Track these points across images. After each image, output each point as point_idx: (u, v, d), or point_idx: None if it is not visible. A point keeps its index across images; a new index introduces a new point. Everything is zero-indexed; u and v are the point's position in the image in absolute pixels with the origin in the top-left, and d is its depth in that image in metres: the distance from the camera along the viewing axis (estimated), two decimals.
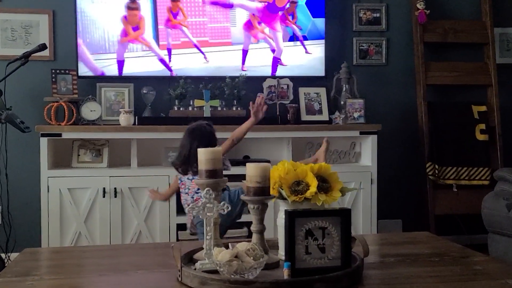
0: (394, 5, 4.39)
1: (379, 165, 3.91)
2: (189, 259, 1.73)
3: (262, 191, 1.68)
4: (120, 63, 3.92)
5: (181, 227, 3.70)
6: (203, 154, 1.75)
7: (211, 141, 2.91)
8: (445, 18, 4.39)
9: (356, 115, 4.00)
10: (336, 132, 3.92)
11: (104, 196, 3.60)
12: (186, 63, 4.02)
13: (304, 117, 4.10)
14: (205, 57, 4.04)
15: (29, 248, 1.97)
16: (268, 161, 3.85)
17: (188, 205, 2.72)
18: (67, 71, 3.83)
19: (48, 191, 3.57)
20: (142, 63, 3.96)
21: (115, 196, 3.61)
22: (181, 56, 4.02)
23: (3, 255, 3.54)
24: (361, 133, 3.92)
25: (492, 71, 4.34)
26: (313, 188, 1.69)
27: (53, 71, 3.81)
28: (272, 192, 1.72)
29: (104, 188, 3.60)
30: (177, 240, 3.67)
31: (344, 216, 1.61)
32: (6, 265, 3.55)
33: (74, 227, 3.60)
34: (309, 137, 3.97)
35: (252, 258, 1.55)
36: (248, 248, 1.57)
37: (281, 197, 1.76)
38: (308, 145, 4.03)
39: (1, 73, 3.61)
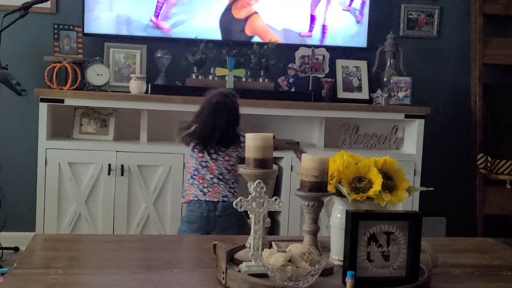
0: None
1: (424, 154, 3.93)
2: (229, 258, 1.75)
3: (319, 187, 1.69)
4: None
5: None
6: (252, 140, 1.76)
7: (236, 117, 3.04)
8: None
9: (401, 95, 4.00)
10: (377, 113, 3.93)
11: (109, 174, 3.63)
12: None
13: (341, 94, 4.11)
14: None
15: (40, 234, 1.99)
16: (298, 143, 3.89)
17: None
18: (71, 27, 3.82)
19: (45, 165, 3.60)
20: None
21: (122, 174, 3.64)
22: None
23: None
24: (406, 116, 3.93)
25: None
26: (377, 186, 1.70)
27: (56, 26, 3.81)
28: (329, 188, 1.73)
29: (109, 165, 3.63)
30: None
31: (414, 221, 1.62)
32: None
33: (73, 207, 3.64)
34: (346, 117, 3.97)
35: (308, 263, 1.57)
36: (304, 252, 1.59)
37: (337, 193, 1.77)
38: (344, 127, 4.04)
39: None
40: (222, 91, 3.11)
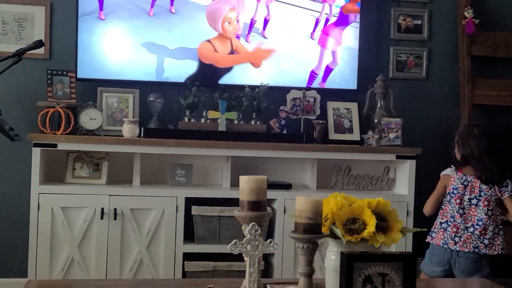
0: (438, 12, 4.45)
1: (416, 195, 3.94)
2: None
3: (313, 229, 1.70)
4: None
5: (188, 257, 3.72)
6: (246, 182, 1.77)
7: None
8: (497, 29, 4.44)
9: (392, 136, 4.03)
10: (369, 155, 3.95)
11: (102, 218, 3.61)
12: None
13: (332, 135, 4.13)
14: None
15: (33, 280, 1.98)
16: (290, 185, 3.90)
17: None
18: (64, 72, 3.86)
19: (38, 209, 3.58)
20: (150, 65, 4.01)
21: (115, 218, 3.63)
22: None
23: None
24: (397, 157, 3.95)
25: None
26: (371, 228, 1.72)
27: (49, 71, 3.84)
28: (323, 229, 1.74)
29: (102, 209, 3.61)
30: (183, 272, 3.68)
31: (408, 261, 1.63)
32: None
33: (66, 252, 3.61)
34: (337, 159, 4.00)
35: None
36: None
37: (331, 235, 1.78)
38: (336, 168, 4.06)
39: None
40: (472, 122, 3.50)
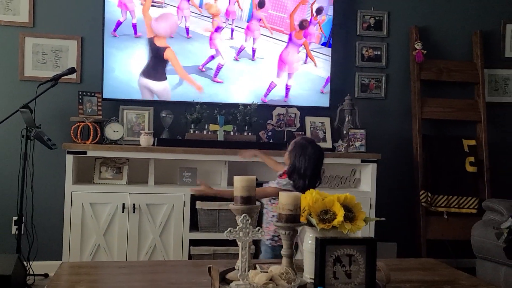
0: (394, 45, 4.46)
1: (377, 191, 3.94)
2: (221, 278, 1.73)
3: (294, 219, 1.69)
4: None
5: (193, 242, 3.70)
6: (239, 181, 1.76)
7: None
8: (440, 58, 4.46)
9: (357, 144, 4.04)
10: (339, 159, 3.95)
11: (123, 211, 3.59)
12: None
13: None
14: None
15: (66, 262, 1.95)
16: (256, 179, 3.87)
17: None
18: (93, 94, 3.84)
19: (71, 205, 3.55)
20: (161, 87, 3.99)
21: (134, 212, 3.60)
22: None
23: (25, 263, 3.51)
24: (362, 161, 3.95)
25: (482, 109, 4.41)
26: (340, 217, 1.71)
27: (80, 93, 3.82)
28: (301, 219, 1.73)
29: (123, 204, 3.59)
30: (189, 255, 3.66)
31: (369, 245, 1.63)
32: (28, 272, 3.52)
33: (93, 240, 3.58)
34: None
35: (285, 281, 1.56)
36: (282, 272, 1.58)
37: (308, 223, 1.77)
38: None
39: (31, 93, 3.63)
40: (309, 139, 2.79)
